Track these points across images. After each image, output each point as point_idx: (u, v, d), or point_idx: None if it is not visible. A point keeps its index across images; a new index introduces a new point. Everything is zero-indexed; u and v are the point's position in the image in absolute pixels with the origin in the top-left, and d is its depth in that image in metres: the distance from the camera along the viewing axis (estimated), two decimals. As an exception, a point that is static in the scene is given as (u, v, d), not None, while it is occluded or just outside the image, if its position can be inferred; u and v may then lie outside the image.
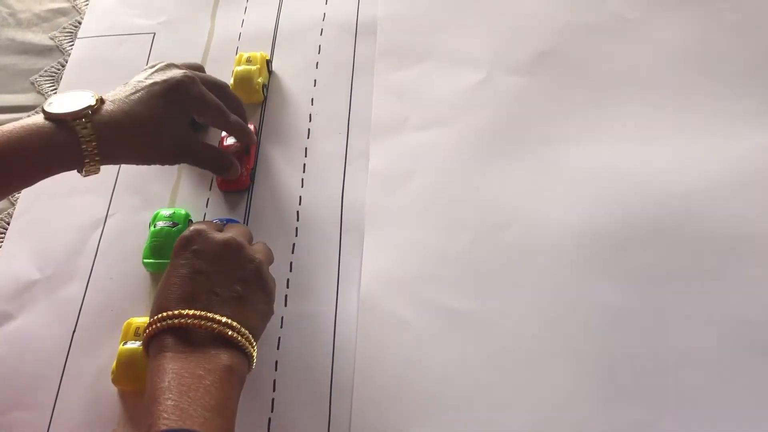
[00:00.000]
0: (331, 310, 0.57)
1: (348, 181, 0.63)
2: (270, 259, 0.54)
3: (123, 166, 0.67)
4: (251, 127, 0.66)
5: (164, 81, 0.55)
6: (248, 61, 0.70)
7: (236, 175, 0.62)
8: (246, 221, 0.63)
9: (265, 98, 0.70)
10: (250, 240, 0.54)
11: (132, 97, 0.54)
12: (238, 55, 0.71)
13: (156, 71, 0.57)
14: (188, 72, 0.57)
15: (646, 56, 0.66)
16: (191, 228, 0.52)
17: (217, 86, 0.61)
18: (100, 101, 0.54)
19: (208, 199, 0.65)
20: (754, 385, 0.49)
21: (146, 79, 0.56)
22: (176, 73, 0.56)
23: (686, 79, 0.64)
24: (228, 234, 0.51)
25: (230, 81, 0.69)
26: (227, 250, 0.50)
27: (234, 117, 0.61)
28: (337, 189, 0.63)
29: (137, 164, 0.57)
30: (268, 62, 0.71)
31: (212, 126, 0.64)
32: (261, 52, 0.71)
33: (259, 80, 0.69)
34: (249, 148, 0.65)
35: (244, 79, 0.68)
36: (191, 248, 0.50)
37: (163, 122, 0.55)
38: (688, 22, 0.67)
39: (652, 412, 0.49)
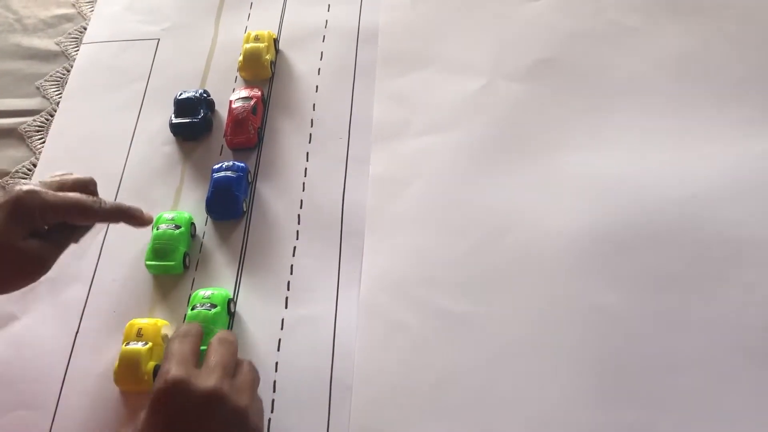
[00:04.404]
0: (331, 313, 0.57)
1: (349, 185, 0.64)
2: (257, 384, 0.50)
3: (126, 170, 0.68)
4: (258, 92, 0.69)
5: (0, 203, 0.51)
6: (256, 39, 0.73)
7: (143, 223, 0.57)
8: (255, 175, 0.66)
9: (273, 74, 0.73)
10: (235, 356, 0.50)
11: None
12: (246, 33, 0.74)
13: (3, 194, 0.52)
14: (28, 186, 0.52)
15: (646, 64, 0.66)
16: (169, 377, 0.45)
17: (79, 185, 0.55)
18: None
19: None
20: (752, 390, 0.50)
21: None
22: (13, 189, 0.52)
23: (685, 87, 0.65)
24: (210, 382, 0.45)
25: (239, 58, 0.72)
26: (209, 407, 0.45)
27: (108, 204, 0.55)
28: (338, 193, 0.64)
29: None
30: (275, 41, 0.74)
31: (83, 223, 0.56)
32: (269, 31, 0.73)
33: (267, 57, 0.72)
34: (256, 108, 0.68)
35: (252, 56, 0.71)
36: (168, 409, 0.45)
37: (3, 248, 0.50)
38: (687, 31, 0.68)
39: (650, 415, 0.49)
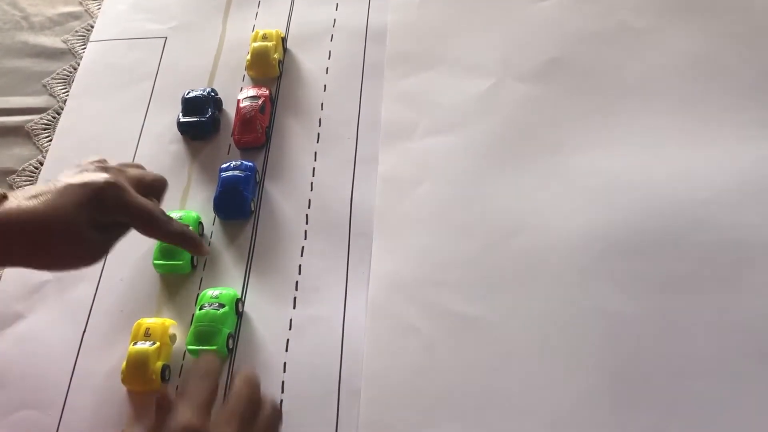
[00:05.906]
0: (340, 314, 0.57)
1: (357, 185, 0.64)
2: (278, 429, 0.48)
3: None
4: (266, 91, 0.69)
5: (81, 185, 0.49)
6: (264, 37, 0.73)
7: (202, 253, 0.57)
8: (263, 174, 0.66)
9: (281, 73, 0.73)
10: (256, 399, 0.46)
11: (39, 198, 0.48)
12: (254, 32, 0.74)
13: (80, 171, 0.51)
14: (113, 178, 0.50)
15: (655, 65, 0.66)
16: (186, 425, 0.41)
17: (154, 186, 0.54)
18: (3, 197, 0.48)
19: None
20: (762, 393, 0.49)
21: (66, 178, 0.50)
22: (98, 177, 0.50)
23: (694, 89, 0.65)
24: None
25: (247, 57, 0.72)
26: None
27: (176, 225, 0.54)
28: (346, 193, 0.63)
29: (39, 269, 0.53)
30: (284, 39, 0.74)
31: (145, 234, 0.54)
32: (277, 29, 0.73)
33: (275, 56, 0.72)
34: (264, 107, 0.68)
35: (260, 55, 0.71)
36: None
37: (70, 229, 0.48)
38: (697, 33, 0.68)
39: (661, 418, 0.49)
